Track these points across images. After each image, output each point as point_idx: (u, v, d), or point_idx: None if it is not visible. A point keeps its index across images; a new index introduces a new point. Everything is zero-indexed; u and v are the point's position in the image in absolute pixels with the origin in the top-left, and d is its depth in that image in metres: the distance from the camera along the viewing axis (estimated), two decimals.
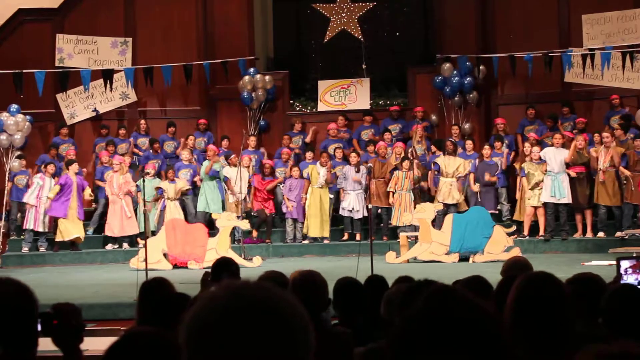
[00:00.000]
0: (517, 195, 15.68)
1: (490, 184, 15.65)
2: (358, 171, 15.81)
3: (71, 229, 15.79)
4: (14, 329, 2.34)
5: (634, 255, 9.91)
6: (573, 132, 15.90)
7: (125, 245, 16.03)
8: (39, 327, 2.59)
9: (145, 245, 11.91)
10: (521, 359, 2.69)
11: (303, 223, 15.98)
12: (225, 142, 17.23)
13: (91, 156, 17.82)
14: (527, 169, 15.08)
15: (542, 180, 14.94)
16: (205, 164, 16.26)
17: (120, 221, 16.00)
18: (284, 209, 16.11)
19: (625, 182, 14.81)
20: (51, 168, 15.94)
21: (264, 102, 17.91)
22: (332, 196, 16.12)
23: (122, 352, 2.18)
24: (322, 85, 18.36)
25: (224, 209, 15.84)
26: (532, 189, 15.02)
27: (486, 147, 15.92)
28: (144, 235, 13.28)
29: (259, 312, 1.47)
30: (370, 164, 15.66)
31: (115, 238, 16.10)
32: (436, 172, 15.76)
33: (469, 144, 16.28)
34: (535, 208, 15.02)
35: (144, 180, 13.06)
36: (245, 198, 15.89)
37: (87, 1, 18.54)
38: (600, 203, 14.88)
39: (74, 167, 15.93)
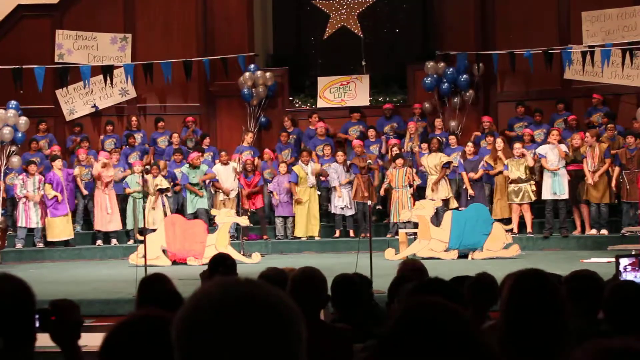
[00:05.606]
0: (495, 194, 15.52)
1: (477, 181, 15.47)
2: (348, 171, 15.80)
3: (62, 229, 15.74)
4: (11, 325, 2.33)
5: (633, 252, 9.92)
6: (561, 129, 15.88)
7: (114, 242, 16.00)
8: (37, 323, 2.58)
9: (144, 241, 11.90)
10: (515, 358, 2.68)
11: (293, 218, 15.95)
12: (207, 140, 17.17)
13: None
14: (509, 165, 14.94)
15: (520, 176, 14.81)
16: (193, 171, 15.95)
17: (101, 217, 15.99)
18: (274, 202, 16.06)
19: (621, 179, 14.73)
20: (32, 168, 15.64)
21: (264, 98, 17.89)
22: (320, 192, 16.02)
23: (125, 334, 2.15)
24: (322, 81, 18.33)
25: (210, 206, 15.83)
26: (511, 182, 14.91)
27: (469, 144, 15.72)
28: (134, 231, 13.22)
29: (251, 306, 1.47)
30: (351, 163, 15.75)
31: (104, 234, 16.06)
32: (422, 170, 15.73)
33: (452, 139, 16.20)
34: (520, 205, 14.95)
35: (143, 177, 13.06)
36: (238, 194, 15.82)
37: None
38: (591, 200, 14.84)
39: (58, 163, 15.83)
